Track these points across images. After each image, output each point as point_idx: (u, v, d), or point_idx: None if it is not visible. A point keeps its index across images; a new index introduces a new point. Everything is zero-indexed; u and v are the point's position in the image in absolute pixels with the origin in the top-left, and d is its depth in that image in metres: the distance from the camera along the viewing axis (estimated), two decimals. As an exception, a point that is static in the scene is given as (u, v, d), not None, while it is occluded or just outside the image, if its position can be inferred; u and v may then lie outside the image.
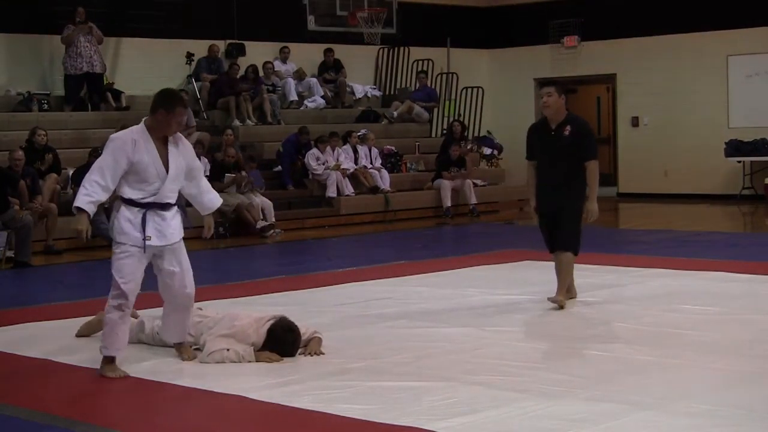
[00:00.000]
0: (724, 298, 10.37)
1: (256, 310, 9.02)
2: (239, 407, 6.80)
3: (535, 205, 10.43)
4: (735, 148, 22.81)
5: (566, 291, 10.22)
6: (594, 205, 10.09)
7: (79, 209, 7.68)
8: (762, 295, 10.53)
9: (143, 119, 8.05)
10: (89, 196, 7.65)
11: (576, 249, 10.15)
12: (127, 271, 7.78)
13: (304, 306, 10.48)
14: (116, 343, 7.77)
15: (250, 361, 7.96)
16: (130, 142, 7.79)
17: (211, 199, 8.33)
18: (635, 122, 24.76)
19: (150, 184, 7.81)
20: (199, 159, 18.52)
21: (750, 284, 11.25)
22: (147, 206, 7.82)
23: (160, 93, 8.17)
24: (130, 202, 7.79)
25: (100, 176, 7.67)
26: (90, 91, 19.95)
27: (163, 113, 7.89)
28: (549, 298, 10.07)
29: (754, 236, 17.86)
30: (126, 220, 7.76)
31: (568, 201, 10.08)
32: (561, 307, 9.94)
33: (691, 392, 6.83)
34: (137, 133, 7.90)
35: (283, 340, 8.13)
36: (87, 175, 7.76)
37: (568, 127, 10.07)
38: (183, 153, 8.02)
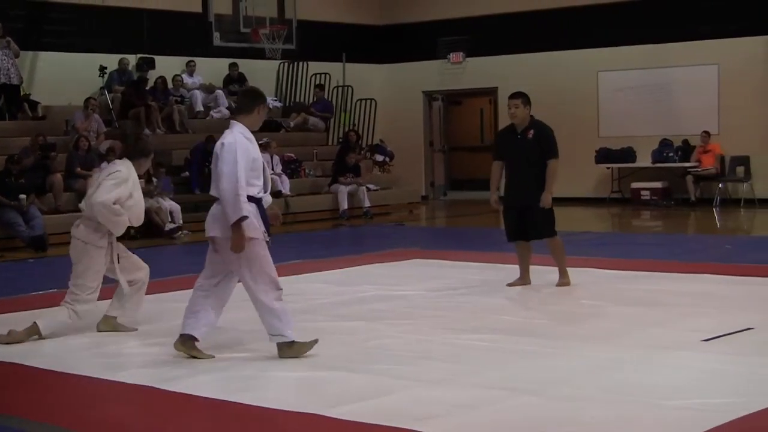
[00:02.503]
0: (598, 292, 10.53)
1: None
2: (150, 396, 6.77)
3: (496, 199, 10.99)
4: (604, 155, 23.15)
5: (527, 276, 10.96)
6: (548, 196, 10.61)
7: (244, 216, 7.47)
8: (627, 290, 10.69)
9: (234, 121, 7.79)
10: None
11: (554, 232, 10.82)
12: (271, 261, 7.69)
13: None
14: (292, 324, 7.71)
15: None
16: (249, 142, 7.63)
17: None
18: (515, 132, 24.98)
19: (260, 179, 7.69)
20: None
21: (617, 280, 11.44)
22: (258, 201, 7.71)
23: (250, 92, 8.02)
24: (250, 199, 7.59)
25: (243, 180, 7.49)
26: (7, 102, 19.66)
27: (262, 107, 7.80)
28: (557, 284, 10.80)
29: (622, 236, 18.13)
30: (252, 215, 7.58)
31: (536, 196, 10.61)
32: (568, 285, 10.79)
33: (568, 378, 6.94)
34: (245, 133, 7.69)
35: None
36: (227, 189, 7.45)
37: (532, 131, 10.67)
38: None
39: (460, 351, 7.89)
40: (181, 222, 18.28)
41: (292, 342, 7.66)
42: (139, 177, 9.10)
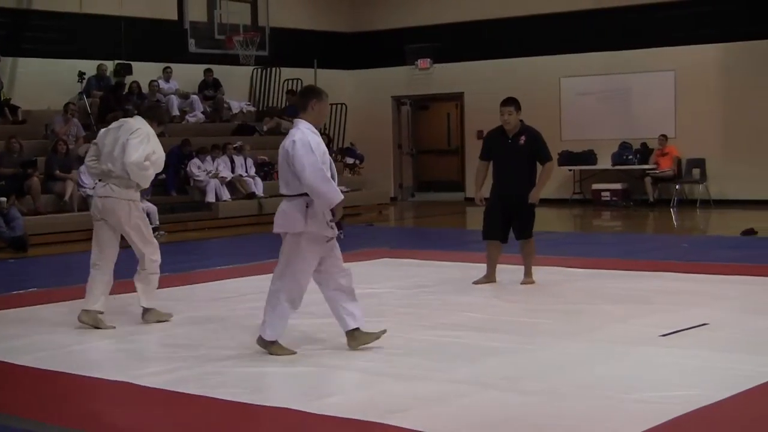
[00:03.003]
0: (561, 291, 10.58)
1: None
2: (126, 392, 6.74)
3: (480, 197, 11.07)
4: (567, 158, 23.22)
5: (494, 275, 11.03)
6: (538, 192, 10.71)
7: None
8: (589, 288, 10.73)
9: (297, 120, 7.74)
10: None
11: (532, 234, 10.94)
12: (309, 268, 7.67)
13: (187, 301, 10.43)
14: (280, 330, 7.65)
15: None
16: (316, 136, 7.58)
17: None
18: (480, 135, 24.89)
19: (329, 173, 7.61)
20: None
21: (579, 278, 11.47)
22: None
23: (303, 90, 7.92)
24: None
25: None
26: (-12, 107, 19.60)
27: (315, 102, 7.70)
28: (522, 283, 10.88)
29: (584, 235, 18.20)
30: (323, 210, 7.56)
31: (524, 198, 10.68)
32: (532, 284, 10.87)
33: (534, 373, 6.96)
34: (311, 128, 7.65)
35: None
36: (314, 177, 7.43)
37: (523, 137, 10.72)
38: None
39: (430, 347, 7.88)
40: (158, 223, 18.17)
41: (270, 342, 7.61)
42: None
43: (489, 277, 11.01)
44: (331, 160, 7.76)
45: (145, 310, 9.31)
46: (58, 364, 7.61)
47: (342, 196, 7.55)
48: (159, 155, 9.15)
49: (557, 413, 5.95)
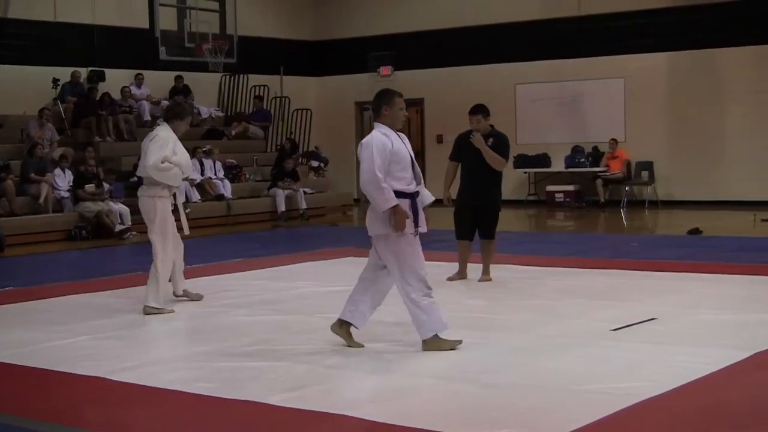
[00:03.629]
0: (518, 287, 10.62)
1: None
2: (101, 388, 6.70)
3: (448, 197, 11.13)
4: (522, 161, 23.30)
5: (465, 271, 11.10)
6: (490, 152, 10.70)
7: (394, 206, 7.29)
8: (544, 284, 10.78)
9: (376, 123, 7.55)
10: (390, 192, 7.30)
11: (494, 236, 11.03)
12: (421, 257, 7.49)
13: (158, 298, 10.38)
14: (440, 318, 7.47)
15: None
16: (386, 138, 7.41)
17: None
18: (440, 139, 25.09)
19: (407, 172, 7.47)
20: (63, 172, 18.42)
21: (535, 275, 11.52)
22: (412, 196, 7.49)
23: (377, 95, 7.69)
24: (399, 194, 7.36)
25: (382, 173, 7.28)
26: (-35, 112, 19.44)
27: (386, 107, 7.51)
28: (479, 280, 10.90)
29: (539, 235, 18.27)
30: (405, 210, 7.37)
31: (489, 200, 10.84)
32: (489, 281, 10.89)
33: (493, 366, 6.96)
34: (383, 130, 7.47)
35: None
36: (366, 182, 7.29)
37: (492, 140, 10.76)
38: (408, 145, 7.67)
39: (392, 342, 7.88)
40: (130, 224, 18.13)
41: (432, 339, 7.46)
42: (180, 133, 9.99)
43: (461, 274, 11.13)
44: (414, 160, 7.62)
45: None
46: (34, 360, 7.54)
47: (391, 204, 7.29)
48: (181, 155, 9.86)
49: (514, 405, 5.96)
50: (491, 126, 10.93)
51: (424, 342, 7.47)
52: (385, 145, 7.36)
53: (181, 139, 10.03)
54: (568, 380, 6.49)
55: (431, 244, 11.32)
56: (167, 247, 9.83)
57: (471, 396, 6.22)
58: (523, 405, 5.96)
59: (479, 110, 10.82)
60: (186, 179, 20.11)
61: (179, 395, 6.39)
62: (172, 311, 9.52)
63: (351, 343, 7.65)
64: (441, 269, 11.21)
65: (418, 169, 7.67)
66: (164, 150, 9.70)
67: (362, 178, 7.35)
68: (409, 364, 7.09)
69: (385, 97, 7.60)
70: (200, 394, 6.37)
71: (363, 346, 7.60)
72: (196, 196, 20.22)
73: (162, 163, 9.66)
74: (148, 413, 6.12)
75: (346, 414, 5.78)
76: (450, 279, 11.04)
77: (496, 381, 6.53)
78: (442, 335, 7.47)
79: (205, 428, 5.75)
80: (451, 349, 7.41)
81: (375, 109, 7.63)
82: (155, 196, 9.86)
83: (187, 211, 10.43)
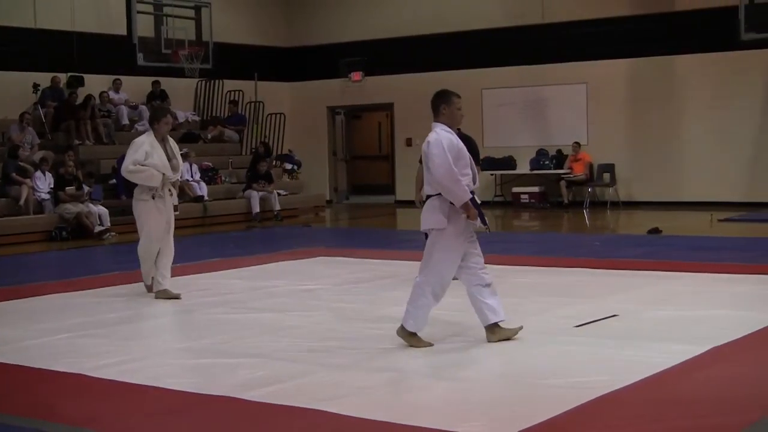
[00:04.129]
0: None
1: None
2: (80, 384, 6.66)
3: (420, 198, 10.81)
4: (489, 163, 23.31)
5: None
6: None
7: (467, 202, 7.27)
8: (509, 283, 10.78)
9: (434, 123, 7.55)
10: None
11: None
12: (454, 261, 7.47)
13: (137, 296, 10.33)
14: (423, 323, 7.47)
15: None
16: (452, 135, 7.41)
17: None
18: (409, 143, 25.11)
19: (469, 171, 7.44)
20: (44, 174, 18.28)
21: (500, 274, 11.50)
22: (473, 193, 7.42)
23: (435, 95, 7.68)
24: None
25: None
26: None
27: (445, 107, 7.54)
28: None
29: (504, 234, 18.27)
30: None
31: None
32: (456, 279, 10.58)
33: (460, 362, 6.97)
34: (446, 129, 7.47)
35: None
36: (443, 175, 7.24)
37: None
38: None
39: (362, 338, 7.88)
40: (109, 224, 18.07)
41: (411, 333, 7.42)
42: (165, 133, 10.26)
43: None
44: (472, 159, 7.60)
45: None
46: (13, 357, 7.48)
47: (468, 196, 7.29)
48: (156, 158, 10.07)
49: (481, 399, 5.97)
50: (459, 129, 10.88)
51: (402, 329, 7.46)
52: (452, 142, 7.38)
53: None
54: (532, 375, 6.50)
55: (401, 244, 11.37)
56: (150, 247, 10.27)
57: (440, 390, 6.22)
58: (490, 399, 5.96)
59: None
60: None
61: (157, 391, 6.35)
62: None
63: (420, 344, 7.45)
64: (411, 268, 11.18)
65: (476, 169, 7.71)
66: (136, 154, 10.06)
67: (437, 173, 7.27)
68: (382, 360, 7.08)
69: (444, 96, 7.63)
70: (177, 389, 6.34)
71: (432, 345, 7.44)
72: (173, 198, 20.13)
73: (133, 165, 10.07)
74: (125, 409, 6.07)
75: (320, 409, 5.77)
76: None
77: (464, 376, 6.54)
78: (420, 334, 7.46)
79: (181, 423, 5.73)
80: (415, 347, 7.37)
81: (434, 107, 7.62)
82: (137, 199, 10.29)
83: (176, 213, 10.55)
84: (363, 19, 25.96)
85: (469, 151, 10.70)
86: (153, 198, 10.14)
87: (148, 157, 10.02)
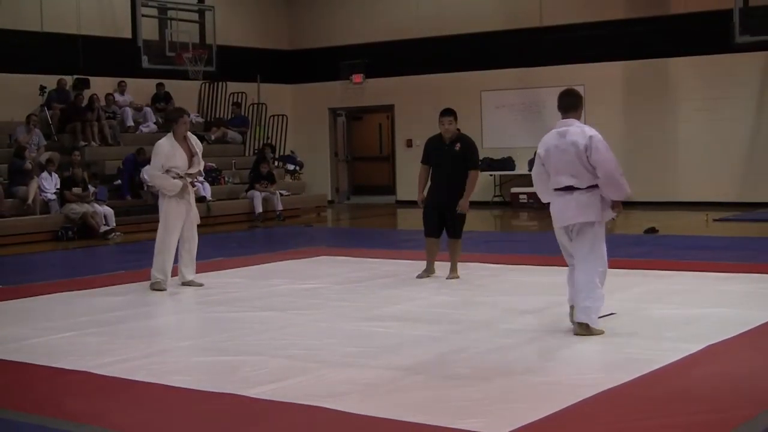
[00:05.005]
0: (483, 284, 10.61)
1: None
2: (84, 381, 6.64)
3: (422, 198, 11.04)
4: (487, 164, 23.30)
5: (432, 268, 11.04)
6: (466, 202, 10.72)
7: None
8: (507, 281, 10.80)
9: (570, 119, 7.88)
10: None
11: (461, 235, 10.92)
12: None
13: (142, 295, 10.33)
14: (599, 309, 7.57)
15: None
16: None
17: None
18: (409, 144, 25.10)
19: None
20: (50, 175, 18.27)
21: (499, 272, 11.52)
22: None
23: (578, 94, 8.17)
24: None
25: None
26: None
27: (581, 108, 7.96)
28: (447, 278, 10.81)
29: (503, 234, 18.28)
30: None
31: (457, 200, 10.69)
32: (457, 278, 10.81)
33: (455, 359, 6.95)
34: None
35: None
36: (616, 167, 7.58)
37: (459, 144, 10.75)
38: None
39: (363, 336, 7.86)
40: (114, 224, 18.05)
41: (587, 325, 7.52)
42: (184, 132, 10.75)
43: (429, 271, 11.07)
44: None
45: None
46: (19, 355, 7.47)
47: (629, 191, 7.60)
48: (178, 158, 10.50)
49: (476, 396, 5.95)
50: (458, 130, 10.93)
51: (578, 325, 7.55)
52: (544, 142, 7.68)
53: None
54: (530, 372, 6.49)
55: (402, 244, 11.35)
56: (166, 238, 10.68)
57: (435, 387, 6.20)
58: (485, 396, 5.94)
59: (450, 113, 10.86)
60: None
61: (161, 388, 6.35)
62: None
63: (595, 332, 7.57)
64: (411, 267, 11.20)
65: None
66: (157, 158, 10.53)
67: (608, 166, 7.50)
68: (382, 358, 7.06)
69: (580, 96, 8.06)
70: (181, 386, 6.33)
71: (603, 332, 7.58)
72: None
73: (154, 171, 10.56)
74: (129, 405, 6.07)
75: (321, 406, 5.76)
76: (419, 276, 11.00)
77: (459, 373, 6.52)
78: (417, 330, 7.52)
79: (185, 420, 5.72)
80: (600, 334, 7.50)
81: (570, 104, 8.00)
82: (161, 194, 10.76)
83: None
84: (364, 23, 25.96)
85: (468, 153, 10.77)
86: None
87: (169, 159, 10.46)
